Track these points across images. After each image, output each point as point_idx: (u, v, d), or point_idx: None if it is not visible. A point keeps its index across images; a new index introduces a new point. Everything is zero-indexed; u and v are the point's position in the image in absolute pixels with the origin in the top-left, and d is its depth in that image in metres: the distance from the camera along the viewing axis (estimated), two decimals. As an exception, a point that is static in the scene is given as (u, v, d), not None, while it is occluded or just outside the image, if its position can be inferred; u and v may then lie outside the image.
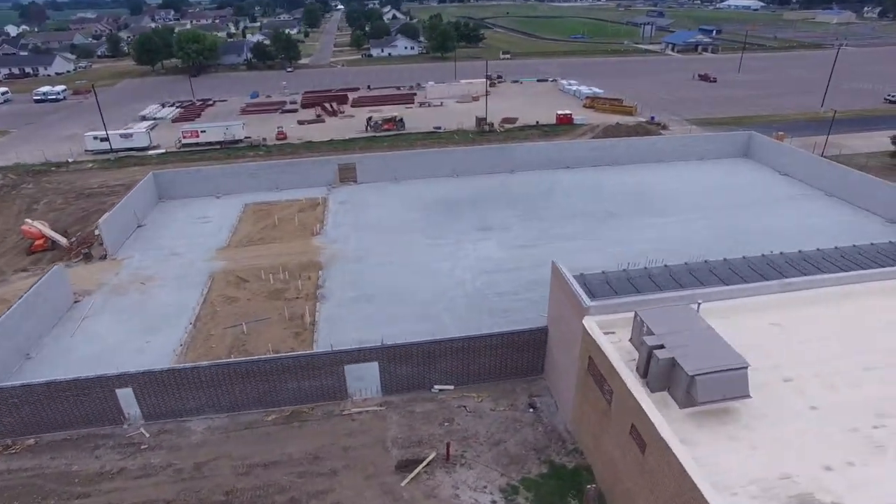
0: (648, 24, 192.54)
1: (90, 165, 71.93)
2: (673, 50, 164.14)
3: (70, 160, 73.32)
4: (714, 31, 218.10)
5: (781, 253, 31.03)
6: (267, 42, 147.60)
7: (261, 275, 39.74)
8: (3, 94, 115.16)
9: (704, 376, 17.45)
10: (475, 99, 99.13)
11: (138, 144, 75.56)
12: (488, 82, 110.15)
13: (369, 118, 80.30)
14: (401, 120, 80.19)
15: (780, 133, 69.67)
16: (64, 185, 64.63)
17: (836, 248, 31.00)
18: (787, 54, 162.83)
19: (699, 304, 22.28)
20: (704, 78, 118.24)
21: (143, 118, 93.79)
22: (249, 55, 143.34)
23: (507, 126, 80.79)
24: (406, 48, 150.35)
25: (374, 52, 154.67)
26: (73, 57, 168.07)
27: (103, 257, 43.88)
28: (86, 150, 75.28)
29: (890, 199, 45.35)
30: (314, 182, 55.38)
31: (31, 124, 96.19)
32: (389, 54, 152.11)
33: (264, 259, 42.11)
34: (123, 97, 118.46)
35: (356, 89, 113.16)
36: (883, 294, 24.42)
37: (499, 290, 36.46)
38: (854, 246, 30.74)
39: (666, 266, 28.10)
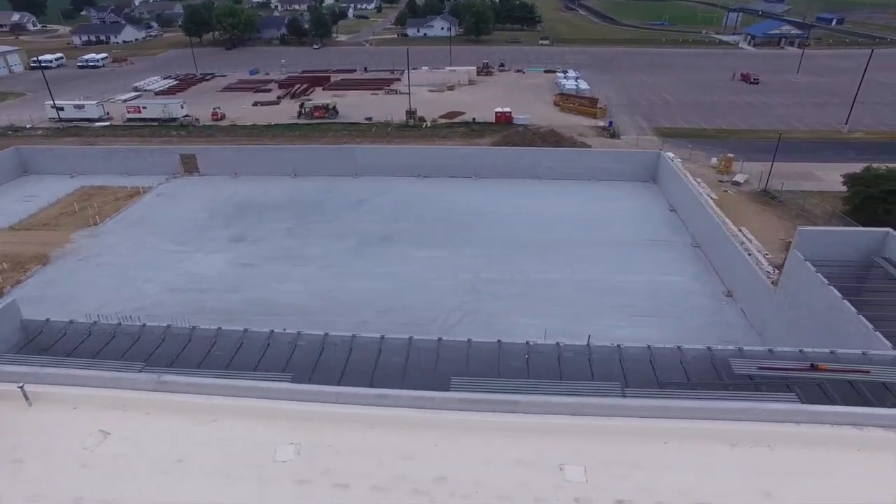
0: (735, 10, 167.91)
1: (39, 132, 77.16)
2: (750, 43, 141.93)
3: (28, 126, 79.25)
4: (834, 21, 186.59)
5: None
6: (304, 17, 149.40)
7: (-14, 262, 39.57)
8: (58, 59, 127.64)
9: None
10: (450, 88, 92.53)
11: (89, 116, 79.62)
12: (483, 71, 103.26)
13: (301, 104, 77.88)
14: (334, 108, 76.77)
15: (729, 156, 56.87)
16: (-6, 150, 69.90)
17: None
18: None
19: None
20: (745, 78, 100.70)
21: (136, 89, 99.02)
22: (285, 30, 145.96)
23: (444, 121, 74.27)
24: (442, 29, 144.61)
25: (410, 31, 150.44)
26: (156, 25, 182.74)
27: None
28: (49, 118, 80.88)
29: (730, 262, 34.82)
30: (159, 170, 54.32)
31: (52, 89, 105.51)
32: (425, 35, 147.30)
33: (13, 246, 41.80)
34: (156, 66, 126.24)
35: (352, 71, 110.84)
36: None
37: (152, 313, 32.92)
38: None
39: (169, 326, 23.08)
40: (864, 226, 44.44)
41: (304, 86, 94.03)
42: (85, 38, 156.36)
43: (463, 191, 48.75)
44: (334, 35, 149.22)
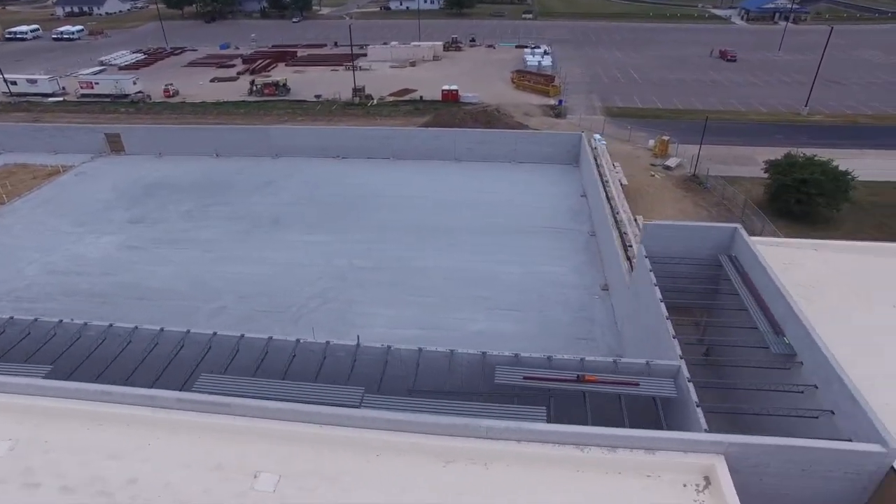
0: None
1: (-9, 108, 77.42)
2: (744, 18, 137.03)
3: (-19, 101, 79.49)
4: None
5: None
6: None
7: None
8: (34, 30, 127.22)
9: None
10: (412, 64, 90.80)
11: (43, 91, 79.50)
12: (452, 46, 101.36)
13: (252, 81, 77.06)
14: (284, 85, 75.86)
15: (664, 138, 55.29)
16: (-59, 126, 70.19)
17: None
18: None
19: None
20: (723, 55, 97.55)
21: (102, 63, 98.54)
22: (265, 3, 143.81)
23: (392, 99, 73.04)
24: (425, 2, 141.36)
25: (393, 5, 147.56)
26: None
27: None
28: (2, 93, 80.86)
29: (609, 254, 33.88)
30: (86, 149, 54.01)
31: (20, 61, 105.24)
32: (407, 8, 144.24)
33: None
34: (132, 40, 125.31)
35: (322, 46, 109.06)
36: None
37: (21, 296, 33.02)
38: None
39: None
40: (777, 216, 43.33)
41: (267, 62, 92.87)
42: (68, 8, 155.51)
43: (376, 173, 47.97)
44: (316, 8, 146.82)
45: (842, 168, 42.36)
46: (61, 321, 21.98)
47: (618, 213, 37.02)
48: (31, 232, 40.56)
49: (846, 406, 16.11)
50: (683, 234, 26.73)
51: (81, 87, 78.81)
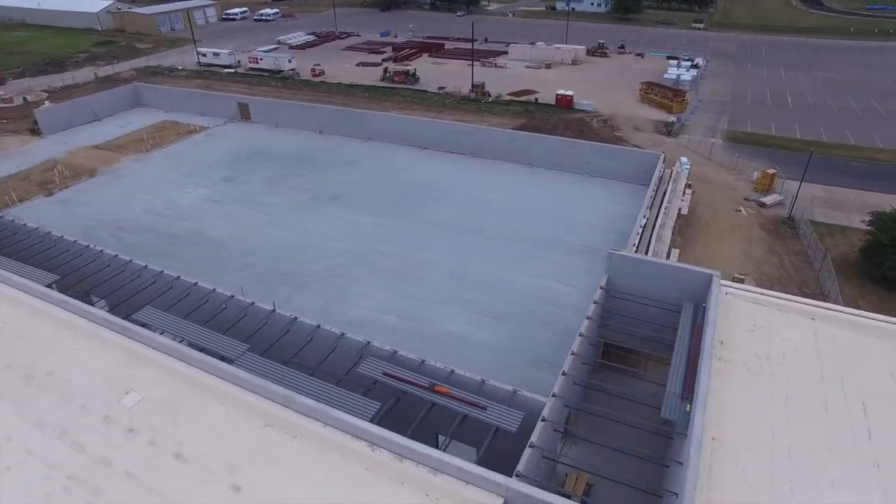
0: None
1: (184, 74, 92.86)
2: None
3: (180, 67, 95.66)
4: None
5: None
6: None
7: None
8: (242, 12, 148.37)
9: None
10: (548, 66, 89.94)
11: (223, 63, 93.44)
12: (597, 51, 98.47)
13: (385, 69, 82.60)
14: (413, 74, 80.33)
15: (769, 171, 49.13)
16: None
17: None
18: None
19: None
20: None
21: (279, 42, 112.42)
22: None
23: (509, 98, 73.68)
24: (593, 4, 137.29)
25: (559, 5, 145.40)
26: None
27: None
28: (196, 63, 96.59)
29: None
30: (223, 114, 63.31)
31: (222, 38, 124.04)
32: (573, 9, 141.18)
33: (84, 159, 52.80)
34: (315, 23, 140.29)
35: (472, 40, 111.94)
36: None
37: (120, 225, 40.62)
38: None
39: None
40: (866, 279, 36.80)
41: (413, 51, 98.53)
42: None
43: (448, 166, 49.68)
44: (484, 3, 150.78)
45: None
46: (102, 251, 27.52)
47: (650, 243, 34.74)
48: (152, 177, 49.17)
49: (682, 492, 14.88)
50: (652, 272, 24.91)
51: (249, 62, 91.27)
